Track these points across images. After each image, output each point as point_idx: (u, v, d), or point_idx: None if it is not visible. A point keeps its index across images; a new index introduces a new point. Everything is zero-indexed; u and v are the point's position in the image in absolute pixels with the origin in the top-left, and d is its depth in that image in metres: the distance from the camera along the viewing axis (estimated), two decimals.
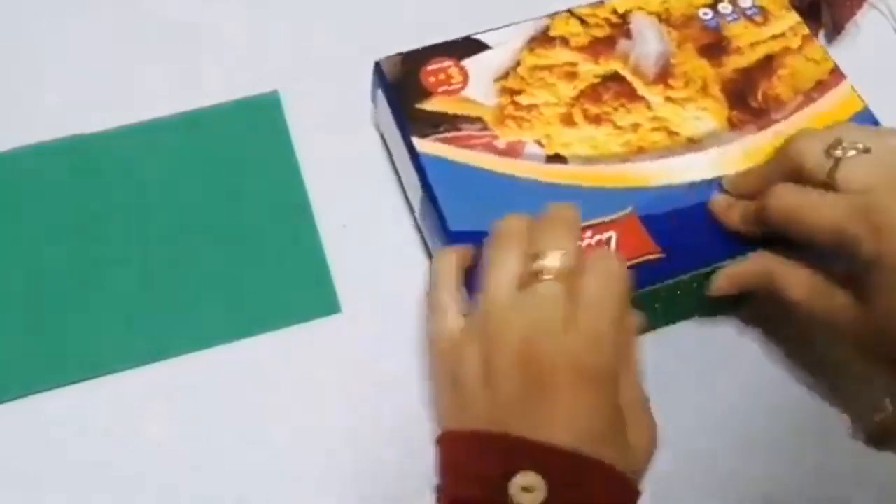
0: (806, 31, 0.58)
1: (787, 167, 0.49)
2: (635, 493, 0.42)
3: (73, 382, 0.53)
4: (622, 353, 0.43)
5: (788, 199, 0.48)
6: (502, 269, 0.44)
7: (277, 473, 0.50)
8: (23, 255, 0.56)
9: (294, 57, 0.64)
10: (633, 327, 0.46)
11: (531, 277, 0.43)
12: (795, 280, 0.49)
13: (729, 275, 0.51)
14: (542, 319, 0.42)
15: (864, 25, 0.65)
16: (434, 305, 0.47)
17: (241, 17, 0.66)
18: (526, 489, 0.39)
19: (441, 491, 0.42)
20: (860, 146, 0.47)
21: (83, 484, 0.50)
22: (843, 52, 0.58)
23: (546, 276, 0.43)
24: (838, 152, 0.47)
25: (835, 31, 0.64)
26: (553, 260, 0.43)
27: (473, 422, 0.42)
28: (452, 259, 0.48)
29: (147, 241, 0.57)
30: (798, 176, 0.48)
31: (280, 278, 0.56)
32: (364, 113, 0.61)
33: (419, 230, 0.57)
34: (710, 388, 0.53)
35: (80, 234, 0.57)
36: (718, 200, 0.53)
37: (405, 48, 0.57)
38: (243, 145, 0.60)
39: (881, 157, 0.47)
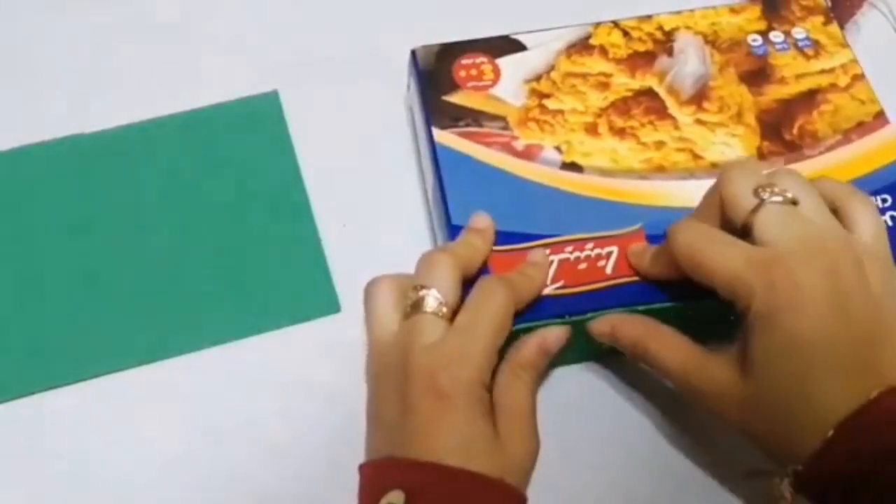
0: (859, 69, 0.57)
1: (715, 197, 0.46)
2: (518, 499, 0.43)
3: (73, 382, 0.53)
4: (493, 367, 0.45)
5: (692, 237, 0.45)
6: (385, 306, 0.47)
7: (278, 473, 0.50)
8: (23, 254, 0.56)
9: (294, 57, 0.64)
10: (532, 347, 0.48)
11: (412, 309, 0.45)
12: (669, 349, 0.46)
13: (612, 323, 0.48)
14: (415, 344, 0.44)
15: (864, 25, 0.65)
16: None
17: (241, 16, 0.66)
18: None
19: None
20: (789, 195, 0.43)
21: (82, 483, 0.50)
22: None
23: (426, 310, 0.45)
24: (765, 195, 0.43)
25: None
26: (430, 300, 0.45)
27: (372, 454, 0.46)
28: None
29: (147, 241, 0.57)
30: (722, 206, 0.45)
31: (280, 278, 0.56)
32: (364, 113, 0.61)
33: (419, 229, 0.57)
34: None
35: (80, 233, 0.57)
36: (634, 247, 0.50)
37: (406, 48, 0.57)
38: (243, 145, 0.60)
39: (804, 214, 0.43)
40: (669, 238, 0.46)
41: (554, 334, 0.48)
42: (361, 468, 0.45)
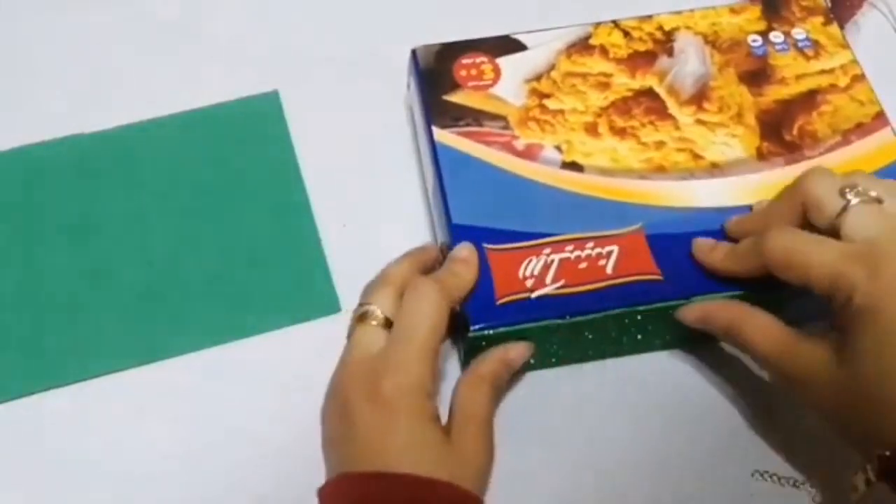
0: (858, 70, 0.57)
1: (795, 200, 0.47)
2: (473, 502, 0.44)
3: (73, 382, 0.53)
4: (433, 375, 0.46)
5: (788, 241, 0.46)
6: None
7: (277, 473, 0.50)
8: (23, 254, 0.56)
9: (294, 57, 0.64)
10: (493, 360, 0.49)
11: (354, 324, 0.48)
12: (763, 333, 0.47)
13: (703, 309, 0.49)
14: (352, 356, 0.47)
15: (864, 25, 0.65)
16: None
17: (241, 17, 0.66)
18: None
19: None
20: (873, 194, 0.45)
21: (82, 483, 0.50)
22: None
23: (371, 322, 0.47)
24: (851, 195, 0.45)
25: None
26: (374, 310, 0.47)
27: (328, 474, 0.46)
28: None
29: (147, 241, 0.57)
30: (803, 211, 0.47)
31: (280, 278, 0.56)
32: (364, 113, 0.61)
33: (419, 229, 0.57)
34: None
35: (79, 233, 0.57)
36: (702, 241, 0.51)
37: (406, 48, 0.57)
38: (243, 145, 0.60)
39: (889, 210, 0.45)
40: (764, 245, 0.47)
41: (516, 349, 0.49)
42: (319, 492, 0.45)
